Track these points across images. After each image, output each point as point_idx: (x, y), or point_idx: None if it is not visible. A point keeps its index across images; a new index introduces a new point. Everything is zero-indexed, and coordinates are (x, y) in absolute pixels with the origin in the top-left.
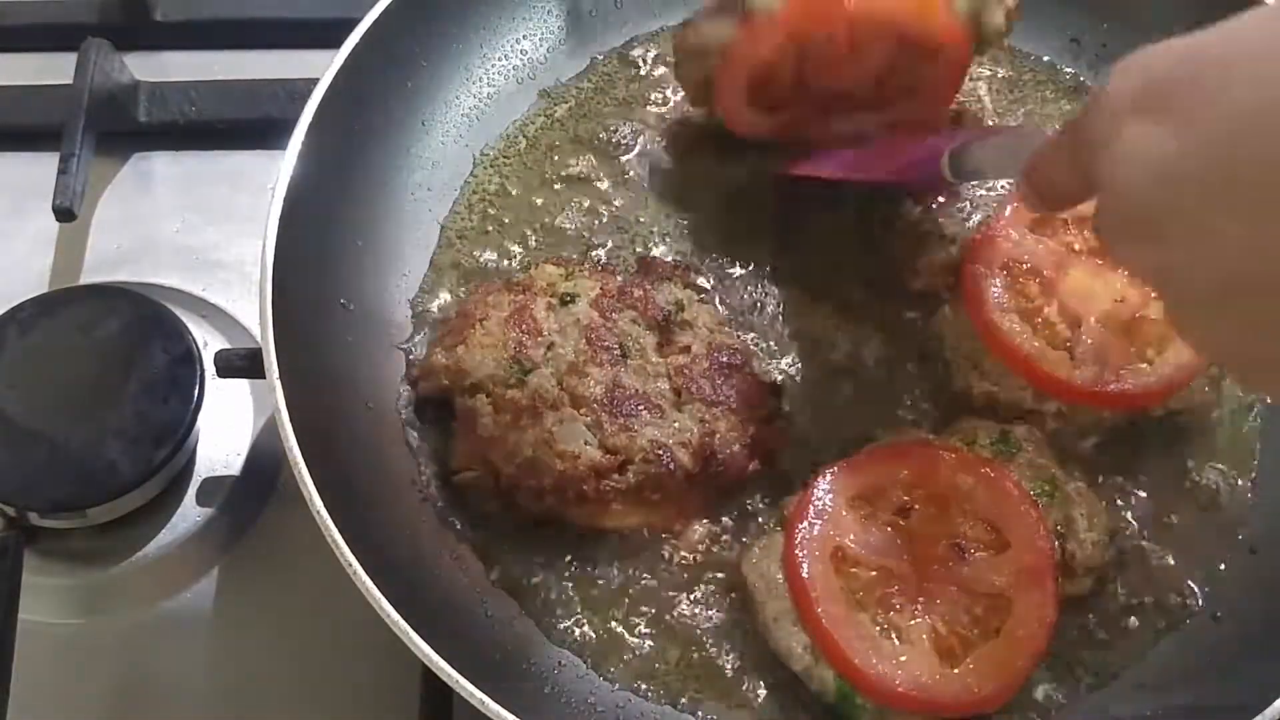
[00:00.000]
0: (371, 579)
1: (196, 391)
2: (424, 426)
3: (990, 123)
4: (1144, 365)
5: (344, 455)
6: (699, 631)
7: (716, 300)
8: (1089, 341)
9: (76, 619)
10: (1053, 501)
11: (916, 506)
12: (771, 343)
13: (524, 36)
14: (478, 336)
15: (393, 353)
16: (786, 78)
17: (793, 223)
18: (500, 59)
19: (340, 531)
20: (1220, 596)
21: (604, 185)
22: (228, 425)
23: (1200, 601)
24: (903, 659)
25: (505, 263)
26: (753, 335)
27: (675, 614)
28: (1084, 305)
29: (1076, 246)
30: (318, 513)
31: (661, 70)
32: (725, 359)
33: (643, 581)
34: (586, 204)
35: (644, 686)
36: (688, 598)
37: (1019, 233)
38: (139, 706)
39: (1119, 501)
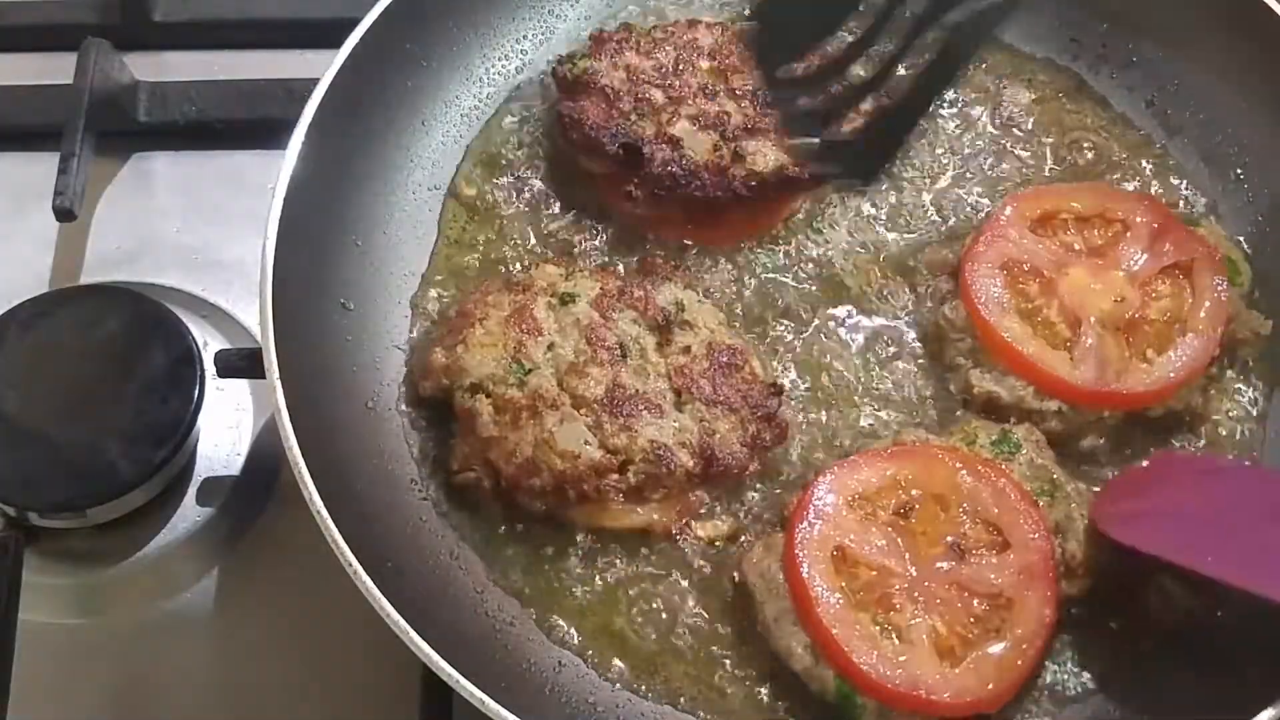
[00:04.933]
0: (371, 579)
1: (196, 391)
2: (424, 426)
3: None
4: (1144, 365)
5: (344, 455)
6: (699, 631)
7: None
8: (1089, 341)
9: (76, 619)
10: (1053, 501)
11: (916, 506)
12: (772, 343)
13: (524, 36)
14: (478, 336)
15: (393, 353)
16: None
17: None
18: (500, 59)
19: (340, 531)
20: (1220, 596)
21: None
22: (228, 425)
23: (1200, 602)
24: (903, 659)
25: (505, 262)
26: (753, 335)
27: (675, 614)
28: (1084, 305)
29: (1076, 246)
30: (318, 513)
31: None
32: (725, 359)
33: (642, 581)
34: (588, 203)
35: (644, 687)
36: (687, 598)
37: (1019, 233)
38: (139, 706)
39: None
